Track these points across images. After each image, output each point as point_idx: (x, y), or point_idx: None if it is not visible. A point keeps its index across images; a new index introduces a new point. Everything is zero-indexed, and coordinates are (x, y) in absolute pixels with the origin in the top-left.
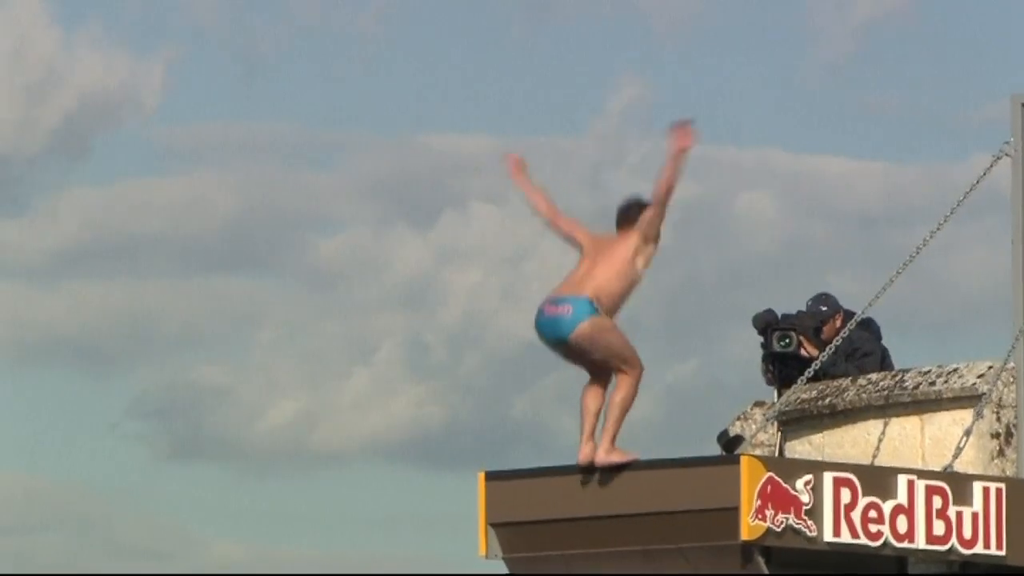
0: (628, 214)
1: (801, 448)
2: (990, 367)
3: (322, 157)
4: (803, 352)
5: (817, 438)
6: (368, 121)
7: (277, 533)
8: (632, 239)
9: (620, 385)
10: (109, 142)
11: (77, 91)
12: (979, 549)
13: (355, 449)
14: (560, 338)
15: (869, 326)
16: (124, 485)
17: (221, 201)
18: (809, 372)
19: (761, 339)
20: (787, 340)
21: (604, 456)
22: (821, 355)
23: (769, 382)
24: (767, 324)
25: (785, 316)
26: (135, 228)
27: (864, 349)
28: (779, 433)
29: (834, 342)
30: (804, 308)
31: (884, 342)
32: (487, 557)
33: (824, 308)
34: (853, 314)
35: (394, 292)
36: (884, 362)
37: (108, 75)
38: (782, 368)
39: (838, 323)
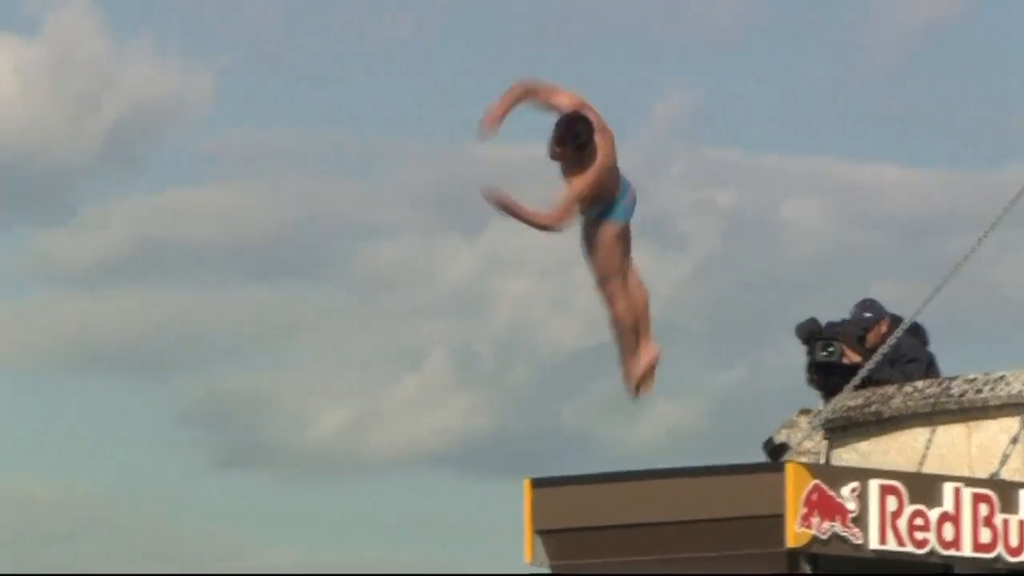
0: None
1: (847, 456)
2: None
3: (370, 165)
4: (845, 360)
5: (863, 446)
6: (416, 129)
7: (326, 540)
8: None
9: (636, 285)
10: (158, 150)
11: (127, 100)
12: None
13: (403, 457)
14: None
15: (917, 332)
16: (174, 492)
17: (270, 209)
18: (856, 379)
19: (805, 348)
20: (830, 349)
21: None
22: (867, 362)
23: (816, 390)
24: (810, 334)
25: (829, 324)
26: (184, 236)
27: (910, 355)
28: (825, 441)
29: (881, 349)
30: (850, 315)
31: (931, 349)
32: (533, 564)
33: (868, 315)
34: (900, 319)
35: (443, 300)
36: (930, 368)
37: (158, 84)
38: (827, 377)
39: (883, 329)
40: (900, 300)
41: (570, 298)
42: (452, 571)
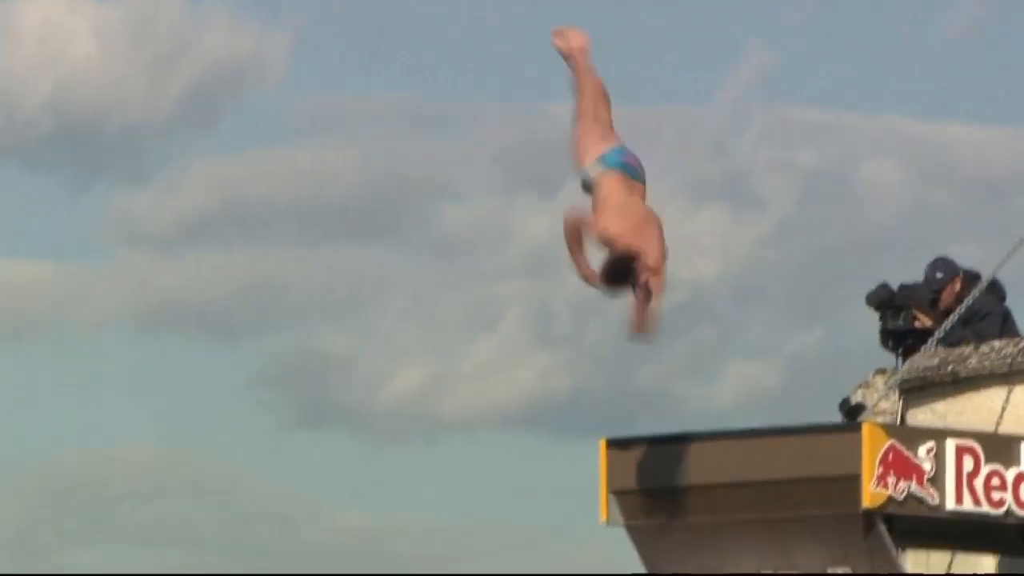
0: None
1: (923, 416)
2: None
3: (448, 125)
4: (918, 324)
5: (939, 406)
6: (494, 90)
7: (401, 501)
8: None
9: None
10: (236, 111)
11: (205, 60)
12: None
13: (479, 417)
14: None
15: (993, 287)
16: (249, 453)
17: (347, 170)
18: (932, 341)
19: (878, 315)
20: (903, 316)
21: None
22: (942, 325)
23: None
24: (881, 301)
25: (902, 287)
26: (261, 197)
27: (983, 311)
28: (901, 401)
29: (957, 310)
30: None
31: (1012, 306)
32: (608, 524)
33: (940, 275)
34: (974, 275)
35: (520, 260)
36: (1007, 322)
37: (235, 44)
38: (900, 341)
39: (957, 287)
40: (979, 259)
41: None
42: (528, 531)
